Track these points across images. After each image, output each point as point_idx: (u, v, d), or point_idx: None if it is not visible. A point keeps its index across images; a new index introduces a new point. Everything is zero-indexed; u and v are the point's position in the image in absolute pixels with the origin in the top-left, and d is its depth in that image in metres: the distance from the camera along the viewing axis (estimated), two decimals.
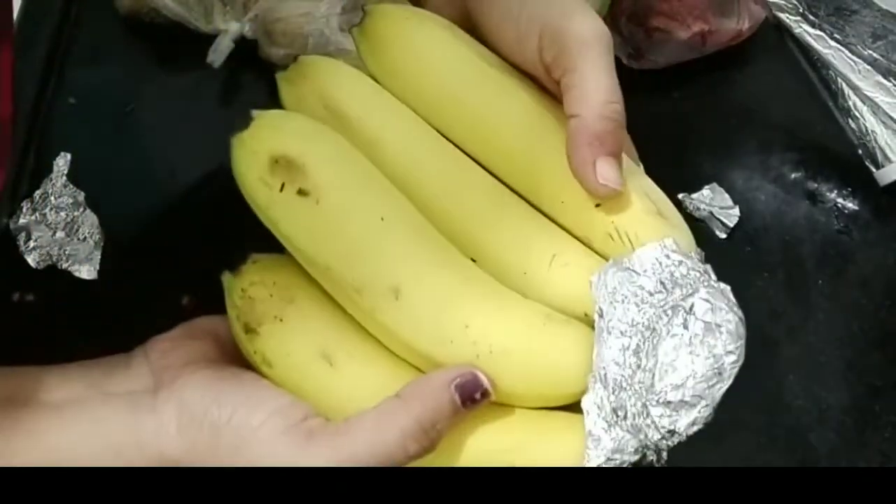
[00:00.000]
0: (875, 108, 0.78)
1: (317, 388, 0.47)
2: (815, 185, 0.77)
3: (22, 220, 0.65)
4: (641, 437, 0.43)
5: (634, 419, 0.43)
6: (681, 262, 0.45)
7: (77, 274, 0.64)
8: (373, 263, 0.46)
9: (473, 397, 0.44)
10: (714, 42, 0.80)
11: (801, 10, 0.84)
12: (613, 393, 0.43)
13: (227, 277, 0.50)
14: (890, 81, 0.78)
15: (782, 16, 0.84)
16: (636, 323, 0.43)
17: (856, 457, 0.64)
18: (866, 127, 0.78)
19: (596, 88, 0.46)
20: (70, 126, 0.71)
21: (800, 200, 0.76)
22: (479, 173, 0.51)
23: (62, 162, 0.67)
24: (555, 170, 0.48)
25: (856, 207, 0.76)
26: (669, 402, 0.43)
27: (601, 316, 0.44)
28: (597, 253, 0.49)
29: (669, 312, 0.43)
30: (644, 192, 0.49)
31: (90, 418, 0.46)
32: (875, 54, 0.80)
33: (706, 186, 0.75)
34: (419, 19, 0.52)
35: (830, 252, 0.73)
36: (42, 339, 0.62)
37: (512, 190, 0.51)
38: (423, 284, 0.46)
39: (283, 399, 0.46)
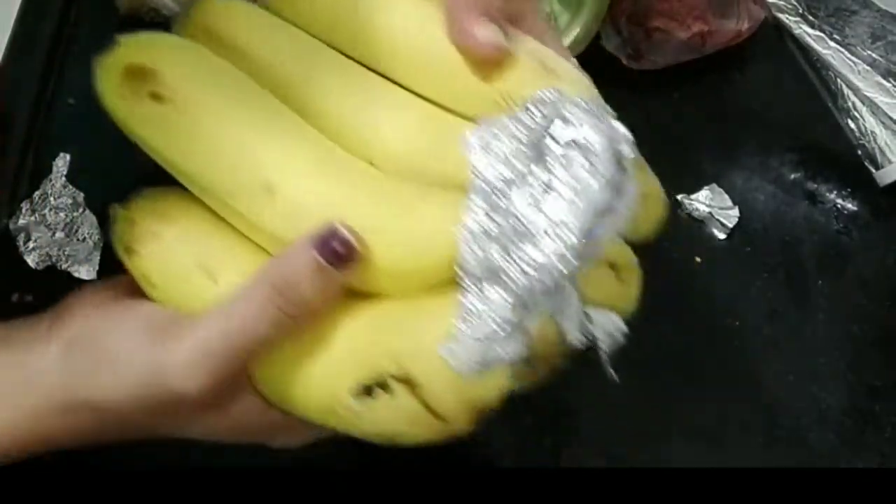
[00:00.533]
0: (874, 108, 0.78)
1: (198, 302, 0.45)
2: (815, 186, 0.77)
3: (21, 221, 0.65)
4: (510, 284, 0.39)
5: (502, 267, 0.39)
6: (556, 105, 0.42)
7: (76, 274, 0.64)
8: (239, 161, 0.44)
9: (333, 249, 0.41)
10: (714, 42, 0.80)
11: (800, 11, 0.84)
12: (482, 247, 0.40)
13: (114, 208, 0.49)
14: (889, 82, 0.78)
15: (782, 16, 0.84)
16: (509, 174, 0.41)
17: (855, 457, 0.64)
18: (866, 127, 0.78)
19: None
20: (69, 127, 0.71)
21: (799, 201, 0.76)
22: (361, 70, 0.50)
23: (61, 163, 0.67)
24: (442, 57, 0.47)
25: (855, 208, 0.76)
26: (532, 237, 0.39)
27: (476, 175, 0.42)
28: None
29: (536, 149, 0.41)
30: (528, 52, 0.47)
31: None
32: (874, 55, 0.80)
33: (706, 187, 0.75)
34: None
35: (830, 252, 0.73)
36: None
37: (404, 88, 0.50)
38: (295, 175, 0.44)
39: (154, 308, 0.45)
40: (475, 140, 0.43)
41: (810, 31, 0.82)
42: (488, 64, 0.46)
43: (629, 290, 0.46)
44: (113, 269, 0.64)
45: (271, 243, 0.45)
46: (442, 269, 0.41)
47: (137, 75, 0.45)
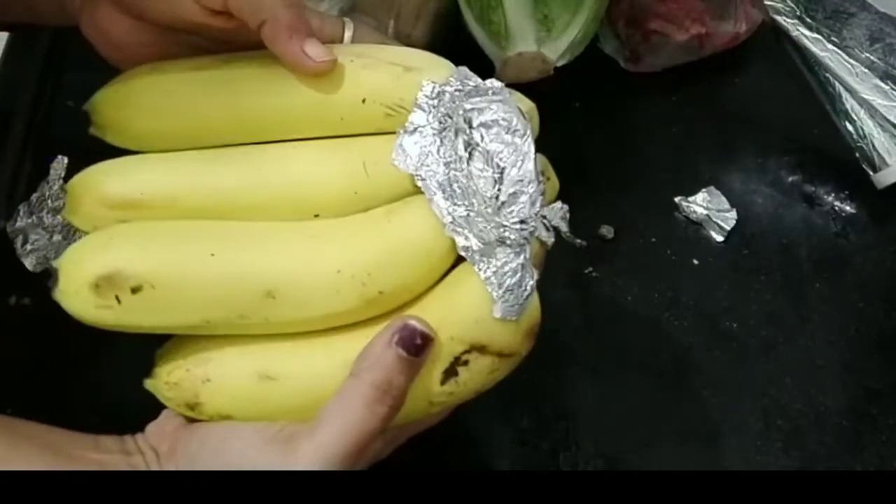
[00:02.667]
0: (872, 111, 0.78)
1: (271, 404, 0.49)
2: (813, 189, 0.77)
3: (19, 224, 0.65)
4: (509, 242, 0.47)
5: (496, 235, 0.47)
6: (443, 94, 0.50)
7: None
8: (235, 290, 0.48)
9: (415, 344, 0.46)
10: (711, 45, 0.80)
11: (798, 14, 0.84)
12: (469, 227, 0.48)
13: (148, 383, 0.51)
14: (887, 84, 0.78)
15: (779, 19, 0.84)
16: (447, 164, 0.49)
17: (853, 460, 0.64)
18: (863, 130, 0.78)
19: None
20: (68, 129, 0.71)
21: (797, 203, 0.76)
22: (261, 147, 0.54)
23: (59, 165, 0.67)
24: (308, 103, 0.52)
25: (853, 210, 0.76)
26: (505, 202, 0.48)
27: (422, 179, 0.49)
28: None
29: (460, 138, 0.49)
30: (387, 62, 0.52)
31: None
32: (872, 57, 0.80)
33: (703, 189, 0.75)
34: (125, 88, 0.56)
35: (828, 255, 0.73)
36: (39, 343, 0.62)
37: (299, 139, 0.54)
38: (281, 269, 0.48)
39: (257, 424, 0.48)
40: (400, 155, 0.50)
41: (808, 33, 0.82)
42: (334, 82, 0.51)
43: (553, 182, 0.52)
44: None
45: (293, 328, 0.49)
46: (445, 258, 0.49)
47: (102, 285, 0.48)
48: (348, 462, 0.45)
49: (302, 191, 0.52)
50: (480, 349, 0.48)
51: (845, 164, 0.78)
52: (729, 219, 0.74)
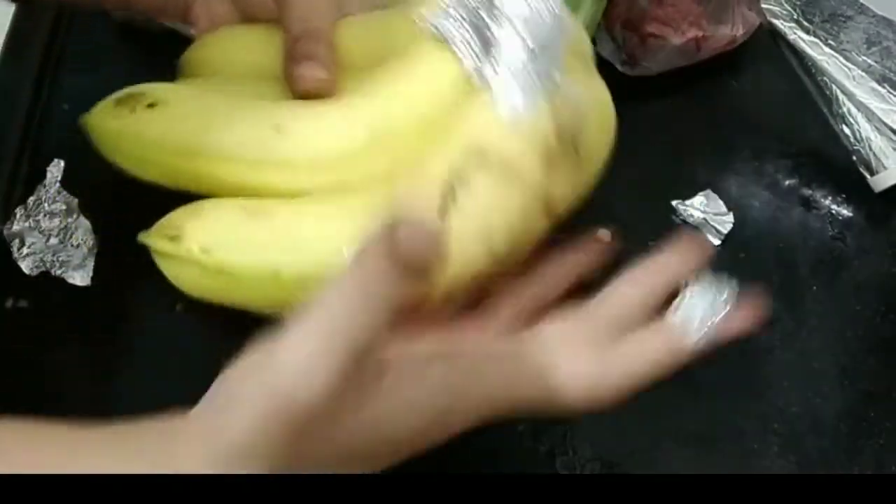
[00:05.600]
0: (869, 114, 0.78)
1: (258, 242, 0.47)
2: (810, 192, 0.77)
3: (15, 227, 0.65)
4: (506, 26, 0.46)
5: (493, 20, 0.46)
6: None
7: (71, 280, 0.64)
8: (247, 118, 0.49)
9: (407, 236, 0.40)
10: (708, 48, 0.80)
11: (795, 17, 0.84)
12: (475, 36, 0.47)
13: (141, 235, 0.52)
14: (884, 88, 0.78)
15: (776, 22, 0.84)
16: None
17: (850, 463, 0.64)
18: (861, 133, 0.78)
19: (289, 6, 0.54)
20: (64, 133, 0.71)
21: (794, 207, 0.76)
22: None
23: (56, 168, 0.67)
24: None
25: (850, 214, 0.76)
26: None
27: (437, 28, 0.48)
28: None
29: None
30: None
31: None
32: (869, 60, 0.80)
33: (700, 193, 0.75)
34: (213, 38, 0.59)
35: (825, 258, 0.73)
36: (36, 346, 0.62)
37: None
38: (295, 110, 0.49)
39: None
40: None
41: (805, 36, 0.82)
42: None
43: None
44: (107, 274, 0.64)
45: (292, 178, 0.48)
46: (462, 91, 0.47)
47: (123, 99, 0.51)
48: (336, 359, 0.38)
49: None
50: (481, 162, 0.45)
51: (842, 167, 0.78)
52: (726, 222, 0.74)
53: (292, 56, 0.53)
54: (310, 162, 0.47)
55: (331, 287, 0.40)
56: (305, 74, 0.52)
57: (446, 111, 0.47)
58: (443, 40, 0.47)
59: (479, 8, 0.46)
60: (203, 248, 0.48)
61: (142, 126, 0.50)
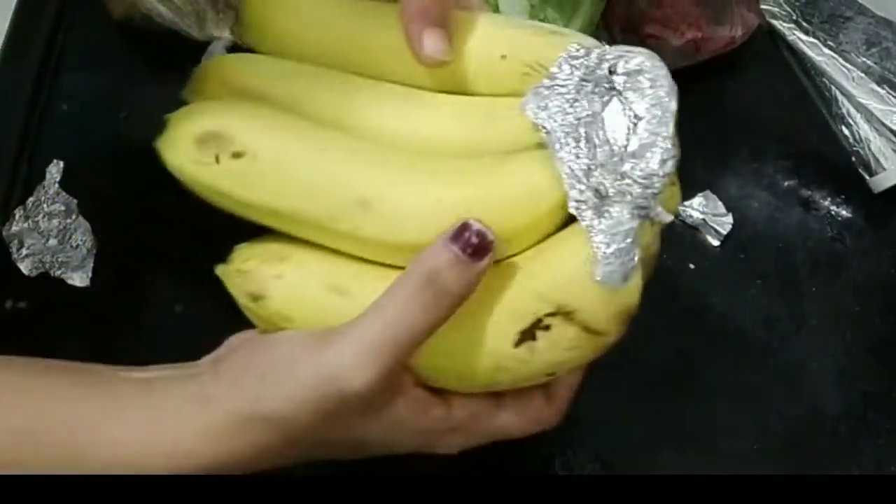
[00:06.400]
0: (868, 115, 0.78)
1: (339, 320, 0.46)
2: (809, 193, 0.77)
3: (14, 228, 0.65)
4: (628, 198, 0.44)
5: (616, 188, 0.44)
6: (589, 54, 0.47)
7: (70, 281, 0.64)
8: (332, 187, 0.47)
9: (470, 242, 0.44)
10: (707, 49, 0.80)
11: (794, 18, 0.84)
12: (587, 180, 0.44)
13: (220, 268, 0.50)
14: (883, 89, 0.78)
15: (776, 23, 0.84)
16: (578, 118, 0.45)
17: (849, 464, 0.64)
18: (860, 134, 0.78)
19: None
20: (63, 133, 0.71)
21: (793, 208, 0.76)
22: (388, 86, 0.53)
23: (55, 169, 0.67)
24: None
25: (849, 215, 0.76)
26: (634, 153, 0.44)
27: (547, 132, 0.46)
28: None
29: (597, 91, 0.46)
30: (532, 24, 0.52)
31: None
32: (869, 61, 0.80)
33: (699, 194, 0.75)
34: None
35: (824, 259, 0.73)
36: (35, 347, 0.62)
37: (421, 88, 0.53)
38: (382, 182, 0.47)
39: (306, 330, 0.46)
40: (532, 104, 0.47)
41: (804, 37, 0.82)
42: (475, 34, 0.51)
43: (677, 190, 0.52)
44: (106, 276, 0.64)
45: (378, 249, 0.48)
46: (553, 213, 0.46)
47: (208, 140, 0.48)
48: (389, 361, 0.43)
49: (419, 134, 0.51)
50: (567, 315, 0.44)
51: (841, 168, 0.78)
52: (725, 223, 0.74)
53: (413, 15, 0.50)
54: (396, 243, 0.47)
55: (395, 287, 0.44)
56: (428, 44, 0.50)
57: (532, 227, 0.47)
58: (547, 146, 0.46)
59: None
60: (284, 317, 0.48)
61: (229, 182, 0.49)
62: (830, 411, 0.66)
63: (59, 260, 0.64)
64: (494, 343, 0.45)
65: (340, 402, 0.43)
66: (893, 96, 0.78)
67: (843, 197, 0.77)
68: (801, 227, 0.75)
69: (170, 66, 0.73)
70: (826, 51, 0.81)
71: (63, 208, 0.66)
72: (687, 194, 0.75)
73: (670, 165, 0.45)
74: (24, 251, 0.65)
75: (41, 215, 0.66)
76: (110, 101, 0.73)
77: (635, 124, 0.44)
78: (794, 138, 0.80)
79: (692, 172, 0.77)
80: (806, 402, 0.66)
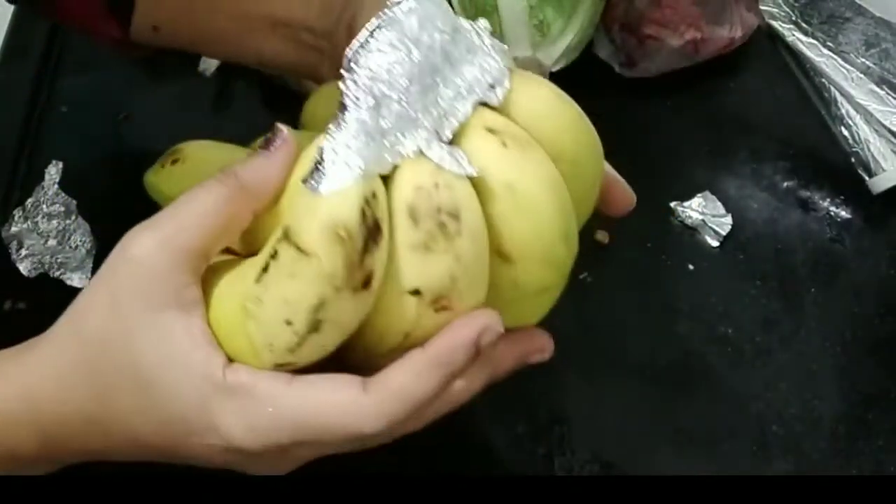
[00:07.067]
0: (868, 116, 0.78)
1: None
2: (808, 194, 0.77)
3: (14, 229, 0.65)
4: (363, 108, 0.40)
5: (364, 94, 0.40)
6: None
7: (69, 282, 0.64)
8: None
9: (269, 139, 0.43)
10: (706, 50, 0.80)
11: (793, 18, 0.84)
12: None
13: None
14: (883, 89, 0.78)
15: (775, 24, 0.84)
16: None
17: (849, 465, 0.64)
18: (859, 135, 0.78)
19: None
20: (62, 134, 0.71)
21: (792, 209, 0.76)
22: None
23: (54, 170, 0.67)
24: None
25: (848, 216, 0.76)
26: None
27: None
28: None
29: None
30: None
31: None
32: (868, 62, 0.80)
33: (698, 194, 0.75)
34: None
35: (823, 260, 0.73)
36: None
37: None
38: None
39: (201, 338, 0.42)
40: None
41: (803, 38, 0.83)
42: None
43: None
44: None
45: None
46: None
47: (169, 158, 0.55)
48: (175, 242, 0.44)
49: None
50: (286, 235, 0.40)
51: (841, 169, 0.78)
52: (724, 224, 0.74)
53: None
54: None
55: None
56: None
57: None
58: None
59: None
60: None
61: (162, 180, 0.55)
62: (829, 412, 0.66)
63: (59, 260, 0.64)
64: (245, 283, 0.42)
65: (127, 277, 0.45)
66: (893, 97, 0.78)
67: (842, 198, 0.77)
68: (800, 228, 0.75)
69: (168, 68, 0.73)
70: (825, 51, 0.81)
71: (62, 209, 0.66)
72: (686, 195, 0.75)
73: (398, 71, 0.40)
74: (23, 252, 0.65)
75: (40, 216, 0.66)
76: (110, 102, 0.73)
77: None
78: (793, 139, 0.80)
79: (691, 173, 0.77)
80: (805, 403, 0.66)
